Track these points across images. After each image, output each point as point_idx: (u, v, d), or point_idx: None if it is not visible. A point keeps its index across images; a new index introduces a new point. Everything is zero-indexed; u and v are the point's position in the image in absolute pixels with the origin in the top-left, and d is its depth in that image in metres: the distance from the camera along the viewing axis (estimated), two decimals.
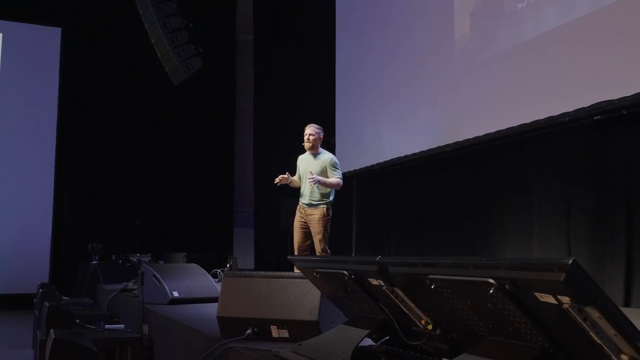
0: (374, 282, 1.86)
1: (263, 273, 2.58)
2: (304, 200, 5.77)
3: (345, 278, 1.95)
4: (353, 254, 8.35)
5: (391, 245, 7.60)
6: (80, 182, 10.47)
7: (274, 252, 9.96)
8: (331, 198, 5.76)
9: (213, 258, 8.90)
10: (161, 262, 8.93)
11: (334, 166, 5.76)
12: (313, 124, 5.88)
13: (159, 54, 8.12)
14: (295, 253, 5.83)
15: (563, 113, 4.85)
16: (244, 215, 11.99)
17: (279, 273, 2.53)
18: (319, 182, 5.55)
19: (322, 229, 5.64)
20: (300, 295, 2.43)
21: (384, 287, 1.82)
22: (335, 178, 5.70)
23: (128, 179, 10.66)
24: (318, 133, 5.81)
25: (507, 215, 5.81)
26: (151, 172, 10.78)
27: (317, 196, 5.69)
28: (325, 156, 5.83)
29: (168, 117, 10.85)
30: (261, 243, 11.21)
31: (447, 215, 6.62)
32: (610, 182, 4.80)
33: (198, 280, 4.57)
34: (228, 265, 8.26)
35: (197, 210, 11.13)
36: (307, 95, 9.53)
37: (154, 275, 4.35)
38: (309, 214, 5.69)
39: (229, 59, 11.76)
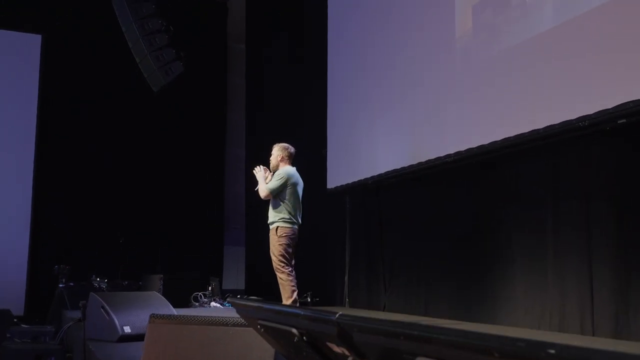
0: (336, 349, 1.19)
1: (200, 317, 1.92)
2: None
3: (295, 339, 1.28)
4: (346, 277, 7.69)
5: (387, 268, 6.93)
6: (60, 196, 9.89)
7: (267, 272, 9.39)
8: (285, 216, 5.27)
9: (196, 279, 8.24)
10: (140, 283, 8.29)
11: (274, 177, 5.43)
12: (276, 144, 5.60)
13: (137, 59, 7.52)
14: None
15: (582, 116, 4.19)
16: (235, 232, 11.46)
17: (220, 318, 1.87)
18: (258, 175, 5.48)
19: (274, 249, 5.28)
20: (248, 350, 1.77)
21: (350, 359, 1.16)
22: (262, 187, 5.39)
23: (113, 193, 10.11)
24: (275, 154, 5.59)
25: (517, 235, 5.12)
26: (137, 186, 10.24)
27: (269, 214, 5.42)
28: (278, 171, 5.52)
29: (155, 128, 10.37)
30: (253, 262, 10.58)
31: (449, 233, 5.95)
32: (638, 197, 4.14)
33: (157, 312, 3.88)
34: (210, 288, 7.61)
35: (185, 226, 10.54)
36: (301, 106, 9.02)
37: (103, 307, 3.68)
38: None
39: (220, 68, 11.30)
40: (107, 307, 3.68)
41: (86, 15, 9.87)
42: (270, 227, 5.41)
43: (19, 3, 9.82)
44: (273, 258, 5.33)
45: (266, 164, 5.71)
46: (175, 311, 4.01)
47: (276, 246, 5.27)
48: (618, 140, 4.24)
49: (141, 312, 3.78)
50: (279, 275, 5.29)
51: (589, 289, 4.43)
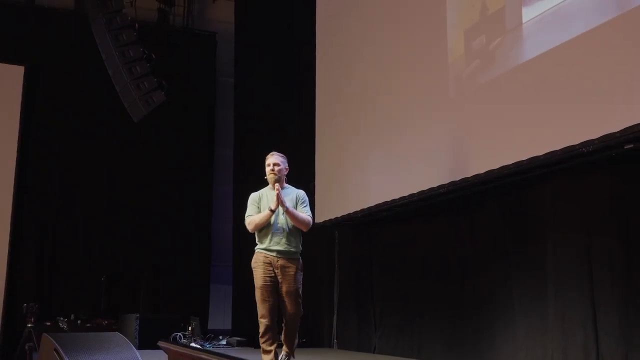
0: None
1: None
2: (274, 247, 4.54)
3: None
4: (335, 316, 7.29)
5: (377, 307, 6.54)
6: (40, 231, 9.56)
7: (254, 312, 9.02)
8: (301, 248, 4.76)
9: (176, 319, 7.82)
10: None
11: (305, 201, 4.71)
12: (276, 152, 4.79)
13: (117, 88, 7.23)
14: (268, 322, 4.52)
15: (585, 141, 3.87)
16: (221, 270, 11.10)
17: None
18: (287, 208, 4.54)
19: (296, 284, 4.54)
20: None
21: None
22: (306, 215, 4.64)
23: (95, 230, 9.75)
24: (284, 163, 4.77)
25: (515, 271, 4.76)
26: (121, 221, 9.89)
27: (294, 243, 4.58)
28: (296, 191, 4.76)
29: (141, 162, 10.07)
30: (240, 301, 10.19)
31: (444, 269, 5.59)
32: None
33: (117, 355, 3.49)
34: (190, 328, 7.20)
35: (170, 264, 10.16)
36: (287, 139, 8.75)
37: (56, 350, 3.29)
38: (285, 266, 4.51)
39: (208, 102, 11.08)
40: (59, 350, 3.29)
41: (69, 47, 9.68)
42: (290, 259, 4.56)
43: (1, 34, 9.63)
44: (292, 296, 4.51)
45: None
46: (138, 354, 3.62)
47: (298, 281, 4.54)
48: (624, 167, 3.93)
49: (99, 355, 3.40)
50: (297, 317, 4.55)
51: (593, 328, 4.09)
